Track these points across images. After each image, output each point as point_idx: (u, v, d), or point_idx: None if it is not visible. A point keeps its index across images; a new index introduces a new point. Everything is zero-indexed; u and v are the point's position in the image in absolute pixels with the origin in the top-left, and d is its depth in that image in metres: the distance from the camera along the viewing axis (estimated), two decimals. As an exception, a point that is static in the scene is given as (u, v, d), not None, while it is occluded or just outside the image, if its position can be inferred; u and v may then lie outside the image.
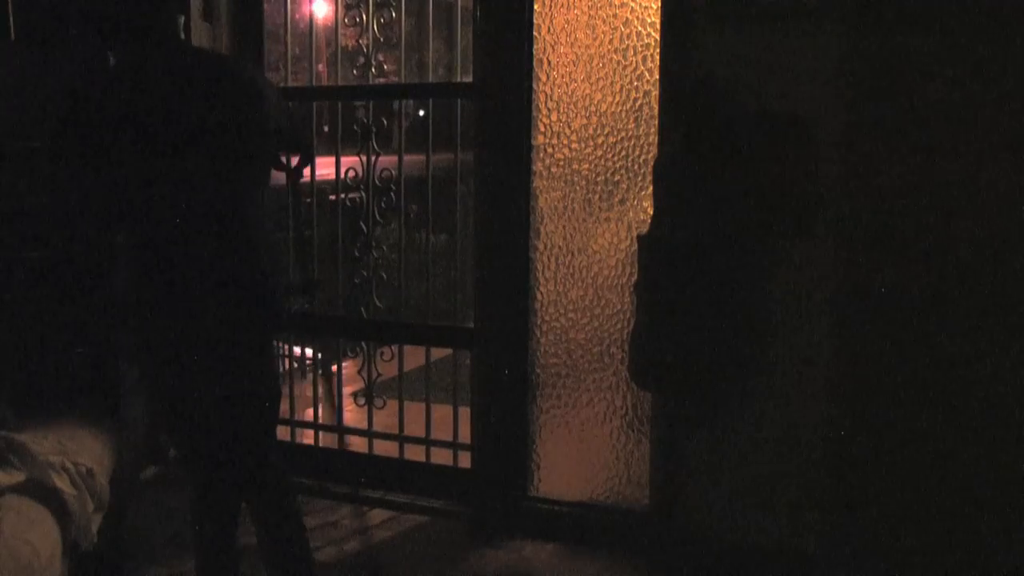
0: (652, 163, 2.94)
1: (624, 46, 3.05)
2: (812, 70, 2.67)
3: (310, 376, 4.30)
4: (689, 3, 2.79)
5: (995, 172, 2.52)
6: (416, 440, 3.60)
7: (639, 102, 3.05)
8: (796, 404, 2.78)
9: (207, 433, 2.27)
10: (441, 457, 3.58)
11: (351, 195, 3.70)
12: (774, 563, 2.84)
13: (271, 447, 2.39)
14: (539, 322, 3.26)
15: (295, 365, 4.53)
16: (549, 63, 3.15)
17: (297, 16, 3.93)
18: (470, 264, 3.41)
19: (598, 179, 3.14)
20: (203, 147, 2.11)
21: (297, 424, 3.86)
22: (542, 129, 3.18)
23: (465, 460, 3.47)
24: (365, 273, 3.68)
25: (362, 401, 3.74)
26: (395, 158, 3.57)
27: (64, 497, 2.43)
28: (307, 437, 3.89)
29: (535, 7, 3.12)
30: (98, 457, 2.70)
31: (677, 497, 2.98)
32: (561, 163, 3.18)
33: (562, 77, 3.15)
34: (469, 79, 3.36)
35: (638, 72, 3.04)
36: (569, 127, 3.15)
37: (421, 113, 4.93)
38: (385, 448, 3.69)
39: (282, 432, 3.74)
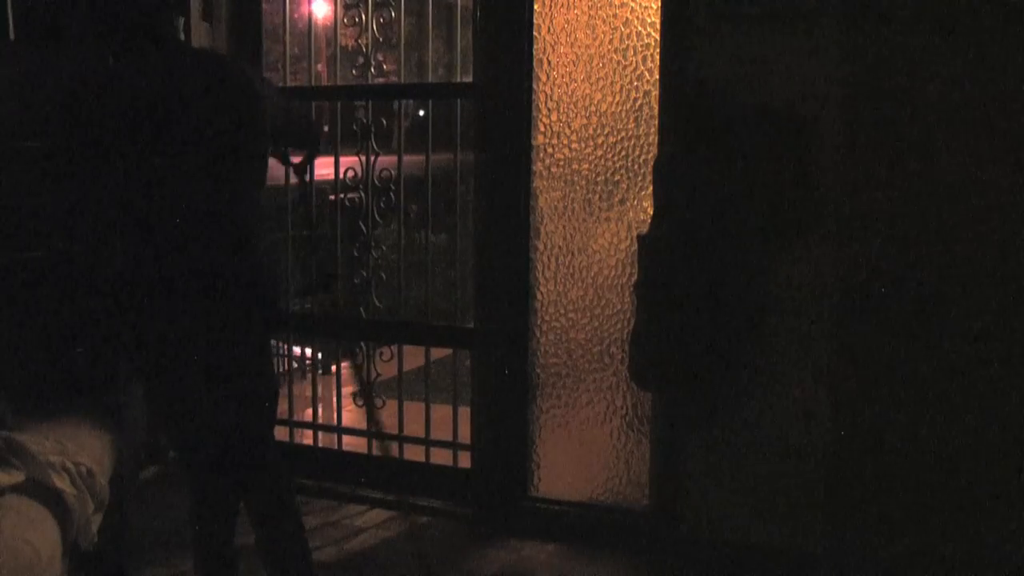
0: (652, 163, 2.94)
1: (624, 46, 3.05)
2: (812, 70, 2.67)
3: (310, 376, 4.29)
4: (689, 3, 2.79)
5: (996, 172, 2.52)
6: (416, 440, 3.60)
7: (639, 102, 3.05)
8: (796, 404, 2.78)
9: (204, 433, 2.27)
10: (441, 457, 3.58)
11: (350, 195, 3.69)
12: (774, 563, 2.84)
13: (269, 447, 2.38)
14: (539, 322, 3.26)
15: (295, 365, 4.53)
16: (549, 63, 3.15)
17: (296, 16, 3.93)
18: (470, 264, 3.41)
19: (598, 179, 3.14)
20: (199, 147, 2.11)
21: (296, 424, 3.85)
22: (542, 129, 3.18)
23: (465, 460, 3.47)
24: (364, 273, 3.68)
25: (361, 401, 3.73)
26: (395, 158, 3.57)
27: (64, 497, 2.42)
28: (306, 437, 3.89)
29: (535, 7, 3.12)
30: (98, 457, 2.70)
31: (677, 497, 2.98)
32: (561, 163, 3.18)
33: (562, 77, 3.15)
34: (469, 79, 3.36)
35: (638, 72, 3.04)
36: (569, 127, 3.15)
37: (421, 113, 4.93)
38: (385, 448, 3.68)
39: (281, 432, 3.75)
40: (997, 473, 2.59)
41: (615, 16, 3.05)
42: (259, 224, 2.26)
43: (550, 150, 3.19)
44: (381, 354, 3.74)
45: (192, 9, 3.48)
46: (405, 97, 3.75)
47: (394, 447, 3.52)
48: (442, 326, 3.66)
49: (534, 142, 3.19)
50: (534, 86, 3.16)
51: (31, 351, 3.01)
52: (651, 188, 2.95)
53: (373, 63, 3.55)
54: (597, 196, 3.15)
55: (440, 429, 3.58)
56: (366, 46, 3.54)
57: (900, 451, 2.69)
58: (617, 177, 3.12)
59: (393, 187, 3.59)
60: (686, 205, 2.80)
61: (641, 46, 3.03)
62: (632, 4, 3.03)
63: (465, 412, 3.48)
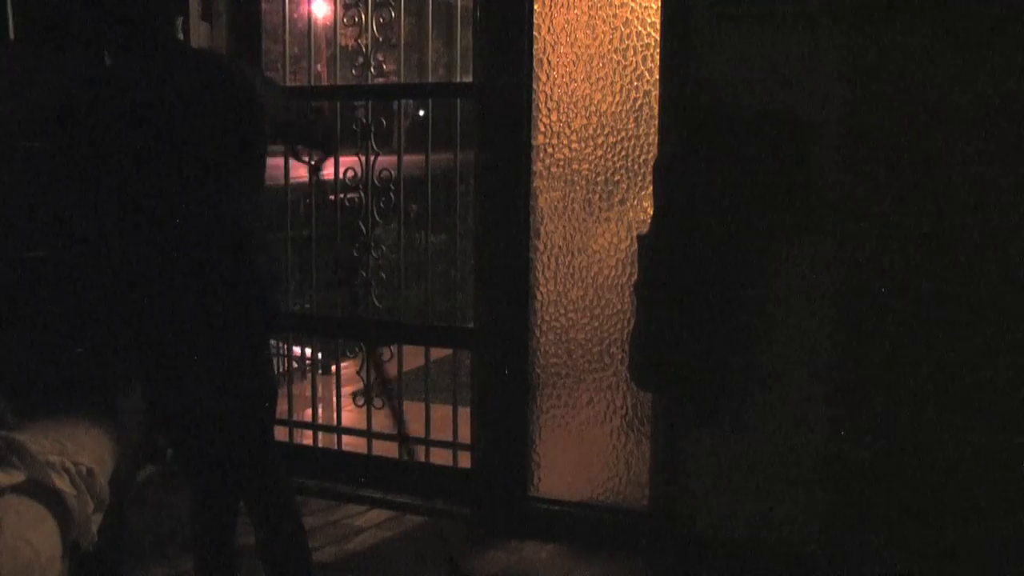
0: (652, 163, 2.94)
1: (624, 46, 3.05)
2: (812, 70, 2.67)
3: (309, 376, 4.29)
4: (689, 3, 2.79)
5: (996, 172, 2.53)
6: (416, 440, 3.59)
7: (639, 102, 3.05)
8: (797, 404, 2.78)
9: (203, 433, 2.27)
10: (441, 457, 3.58)
11: (350, 195, 3.69)
12: (774, 563, 2.84)
13: (268, 447, 2.38)
14: (539, 322, 3.26)
15: (295, 365, 4.53)
16: (549, 63, 3.15)
17: (296, 16, 3.93)
18: (470, 264, 3.41)
19: (598, 179, 3.14)
20: (197, 147, 2.11)
21: (296, 424, 3.85)
22: (542, 129, 3.18)
23: (465, 460, 3.47)
24: (364, 273, 3.68)
25: (361, 401, 3.74)
26: (394, 158, 3.57)
27: (64, 497, 2.42)
28: (306, 437, 3.89)
29: (535, 7, 3.12)
30: (98, 457, 2.69)
31: (677, 497, 2.97)
32: (561, 163, 3.18)
33: (562, 77, 3.15)
34: (469, 79, 3.36)
35: (638, 72, 3.04)
36: (569, 127, 3.15)
37: (421, 113, 4.93)
38: (385, 448, 3.69)
39: (281, 432, 3.75)
40: (998, 473, 2.59)
41: (615, 16, 3.05)
42: (258, 223, 2.26)
43: (550, 150, 3.19)
44: (381, 354, 3.74)
45: (192, 9, 3.48)
46: (405, 97, 3.75)
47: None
48: (442, 326, 3.67)
49: (534, 142, 3.19)
50: (534, 86, 3.16)
51: (31, 351, 3.01)
52: (651, 188, 2.95)
53: (373, 63, 3.55)
54: (597, 196, 3.15)
55: (440, 429, 3.58)
56: (366, 46, 3.54)
57: (900, 451, 2.69)
58: (617, 177, 3.12)
59: (393, 187, 3.59)
60: (686, 205, 2.80)
61: (641, 46, 3.03)
62: (632, 4, 3.03)
63: (465, 412, 3.48)
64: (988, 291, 2.56)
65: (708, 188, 2.77)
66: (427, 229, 3.70)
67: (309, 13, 3.92)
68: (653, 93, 2.99)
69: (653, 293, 2.84)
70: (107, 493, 2.62)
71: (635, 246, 3.00)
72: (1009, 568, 2.59)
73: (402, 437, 2.88)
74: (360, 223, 3.64)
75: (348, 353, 4.06)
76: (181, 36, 2.27)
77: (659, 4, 2.91)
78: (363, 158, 3.58)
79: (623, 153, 3.10)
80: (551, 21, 3.14)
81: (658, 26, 2.93)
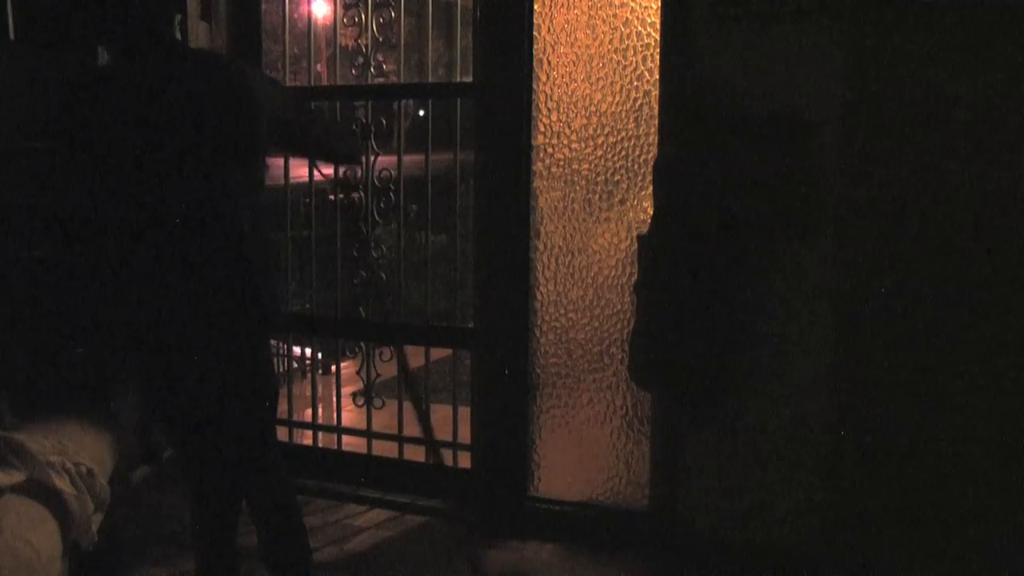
0: (652, 163, 2.94)
1: (624, 46, 3.05)
2: (812, 70, 2.67)
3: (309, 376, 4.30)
4: (689, 3, 2.79)
5: (997, 171, 2.53)
6: (416, 440, 3.60)
7: (639, 102, 3.05)
8: (796, 404, 2.78)
9: (202, 434, 2.27)
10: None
11: (350, 195, 3.69)
12: (774, 563, 2.84)
13: (269, 447, 2.38)
14: (539, 322, 3.26)
15: (295, 365, 4.53)
16: (549, 63, 3.15)
17: (296, 16, 3.93)
18: (470, 264, 3.41)
19: (598, 179, 3.14)
20: (193, 147, 2.10)
21: (296, 424, 3.85)
22: (542, 129, 3.18)
23: (465, 460, 3.47)
24: (364, 273, 3.68)
25: (361, 401, 3.74)
26: (394, 158, 3.57)
27: (64, 497, 2.42)
28: (306, 437, 3.89)
29: (535, 7, 3.12)
30: (98, 457, 2.70)
31: (677, 497, 2.98)
32: (561, 163, 3.18)
33: (562, 77, 3.15)
34: (469, 79, 3.36)
35: (638, 72, 3.04)
36: (569, 127, 3.15)
37: (421, 113, 4.93)
38: (385, 448, 3.69)
39: (281, 432, 3.75)
40: (998, 473, 2.59)
41: (615, 16, 3.05)
42: (258, 223, 2.25)
43: (550, 150, 3.19)
44: (381, 354, 3.75)
45: (190, 9, 3.47)
46: (405, 97, 3.75)
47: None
48: (442, 326, 3.66)
49: (534, 142, 3.19)
50: (534, 86, 3.16)
51: (31, 351, 3.01)
52: (651, 188, 2.95)
53: (373, 63, 3.55)
54: (597, 196, 3.15)
55: (440, 429, 3.58)
56: (366, 46, 3.54)
57: (900, 451, 2.69)
58: (617, 177, 3.12)
59: (393, 187, 3.59)
60: (686, 205, 2.80)
61: (641, 46, 3.03)
62: (632, 4, 3.03)
63: (465, 412, 3.48)
64: (988, 291, 2.56)
65: (708, 188, 2.77)
66: (427, 229, 3.70)
67: (309, 13, 3.92)
68: (653, 93, 3.00)
69: (653, 293, 2.84)
70: (107, 493, 2.63)
71: (635, 246, 3.01)
72: (1009, 568, 2.60)
73: (429, 440, 2.86)
74: (360, 223, 3.64)
75: (348, 353, 4.06)
76: (180, 36, 2.26)
77: (659, 4, 2.91)
78: (363, 158, 3.58)
79: (623, 153, 3.10)
80: (551, 21, 3.14)
81: (658, 26, 2.93)
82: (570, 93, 3.14)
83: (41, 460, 2.43)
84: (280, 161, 3.65)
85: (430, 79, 3.63)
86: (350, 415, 3.99)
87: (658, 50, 2.94)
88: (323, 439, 3.86)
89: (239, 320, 2.21)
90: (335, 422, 3.87)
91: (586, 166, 3.15)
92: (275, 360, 4.81)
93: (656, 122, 2.97)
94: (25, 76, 3.08)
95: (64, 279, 3.04)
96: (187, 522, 2.37)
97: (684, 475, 2.96)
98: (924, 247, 2.61)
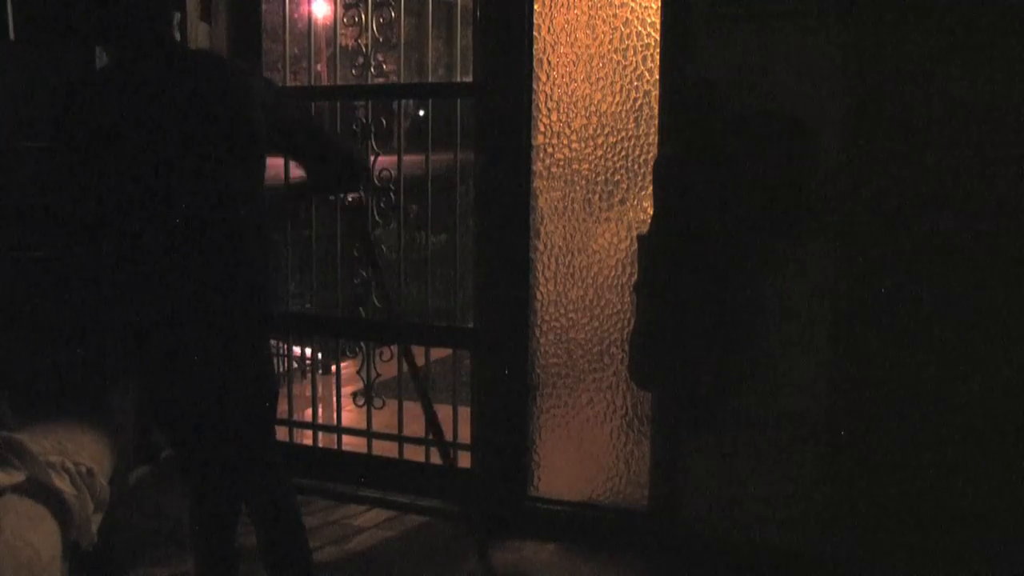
0: (652, 163, 2.94)
1: (624, 46, 3.05)
2: (812, 70, 2.67)
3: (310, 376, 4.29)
4: (689, 3, 2.79)
5: (997, 173, 2.53)
6: (416, 440, 3.60)
7: (639, 102, 3.05)
8: (797, 405, 2.78)
9: (201, 434, 2.26)
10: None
11: (350, 195, 3.68)
12: (774, 563, 2.84)
13: (268, 447, 2.38)
14: (539, 322, 3.26)
15: (295, 365, 4.52)
16: (549, 63, 3.15)
17: (296, 16, 3.93)
18: (470, 264, 3.41)
19: (598, 179, 3.14)
20: (192, 148, 2.10)
21: (296, 424, 3.85)
22: (542, 129, 3.18)
23: (465, 460, 3.47)
24: (364, 273, 3.68)
25: (361, 401, 3.74)
26: (394, 158, 3.57)
27: (64, 497, 2.42)
28: (306, 437, 3.89)
29: (535, 7, 3.12)
30: (98, 457, 2.70)
31: (677, 497, 2.98)
32: (561, 163, 3.18)
33: (562, 77, 3.15)
34: (469, 79, 3.36)
35: (638, 72, 3.04)
36: (569, 127, 3.15)
37: (421, 113, 4.93)
38: (385, 448, 3.69)
39: (281, 432, 3.75)
40: (998, 473, 2.59)
41: (615, 16, 3.05)
42: (254, 223, 2.25)
43: (550, 150, 3.19)
44: (380, 354, 3.75)
45: (190, 9, 3.47)
46: (405, 97, 3.75)
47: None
48: (442, 326, 3.66)
49: (534, 142, 3.19)
50: (534, 86, 3.16)
51: (31, 351, 3.01)
52: (651, 188, 2.95)
53: (373, 63, 3.55)
54: (597, 196, 3.15)
55: (442, 429, 3.57)
56: (366, 46, 3.54)
57: (900, 452, 2.69)
58: (617, 177, 3.12)
59: (393, 187, 3.59)
60: (686, 205, 2.80)
61: (641, 46, 3.03)
62: (632, 4, 3.03)
63: (465, 412, 3.48)
64: (988, 291, 2.56)
65: (708, 188, 2.77)
66: (427, 229, 3.70)
67: (309, 13, 3.92)
68: (653, 93, 3.00)
69: (653, 293, 2.84)
70: (107, 493, 2.63)
71: (635, 246, 3.01)
72: (1010, 569, 2.59)
73: (440, 441, 2.85)
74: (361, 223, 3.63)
75: (348, 353, 4.06)
76: (179, 36, 2.25)
77: (659, 4, 2.91)
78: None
79: (623, 153, 3.10)
80: (551, 21, 3.14)
81: (658, 26, 2.93)
82: (570, 93, 3.14)
83: (41, 460, 2.43)
84: (280, 161, 3.64)
85: (430, 79, 3.63)
86: (350, 415, 3.99)
87: (658, 50, 2.94)
88: (323, 439, 3.86)
89: (239, 320, 2.21)
90: (335, 422, 3.87)
91: (586, 166, 3.15)
92: (275, 360, 4.82)
93: (656, 122, 2.97)
94: (25, 76, 3.08)
95: (64, 279, 3.04)
96: (186, 522, 2.37)
97: (684, 475, 2.96)
98: (924, 247, 2.61)
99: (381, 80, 3.64)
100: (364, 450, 3.71)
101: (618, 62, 3.07)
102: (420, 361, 3.63)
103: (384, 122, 3.60)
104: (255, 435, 2.32)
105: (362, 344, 3.77)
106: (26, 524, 2.28)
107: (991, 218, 2.54)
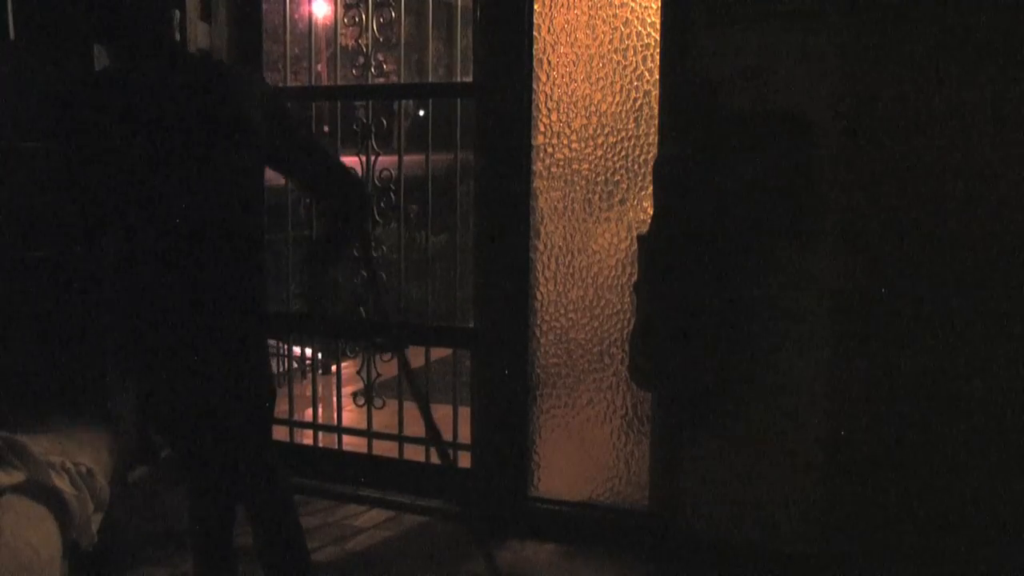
0: (652, 163, 2.94)
1: (624, 46, 3.05)
2: (812, 70, 2.67)
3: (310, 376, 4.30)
4: (689, 3, 2.79)
5: (996, 174, 2.52)
6: (416, 440, 3.60)
7: (639, 102, 3.05)
8: (796, 405, 2.78)
9: (199, 434, 2.26)
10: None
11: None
12: (774, 564, 2.84)
13: (265, 447, 2.38)
14: (539, 322, 3.26)
15: (295, 365, 4.52)
16: (549, 63, 3.15)
17: (296, 16, 3.93)
18: (470, 264, 3.41)
19: (598, 179, 3.14)
20: (190, 150, 2.10)
21: (296, 424, 3.86)
22: (542, 129, 3.18)
23: (465, 460, 3.47)
24: (364, 273, 3.67)
25: (361, 401, 3.74)
26: (395, 158, 3.57)
27: (64, 497, 2.43)
28: (306, 437, 3.89)
29: (535, 7, 3.12)
30: (98, 457, 2.70)
31: (677, 497, 2.98)
32: (561, 163, 3.18)
33: (562, 77, 3.15)
34: (469, 79, 3.36)
35: (638, 72, 3.04)
36: (569, 127, 3.15)
37: (421, 113, 4.93)
38: (385, 448, 3.69)
39: (281, 432, 3.75)
40: (998, 473, 2.59)
41: (615, 16, 3.05)
42: (253, 225, 2.25)
43: (550, 150, 3.19)
44: (381, 354, 3.75)
45: (190, 9, 3.47)
46: (405, 97, 3.75)
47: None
48: (442, 326, 3.66)
49: (534, 142, 3.19)
50: (534, 86, 3.16)
51: (31, 351, 3.01)
52: (651, 188, 2.95)
53: (373, 63, 3.55)
54: (597, 196, 3.15)
55: (440, 429, 3.57)
56: (366, 46, 3.54)
57: (900, 452, 2.69)
58: (617, 177, 3.12)
59: (393, 187, 3.59)
60: (686, 205, 2.80)
61: (641, 46, 3.03)
62: (632, 4, 3.03)
63: (465, 412, 3.48)
64: (988, 292, 2.56)
65: (708, 188, 2.77)
66: (427, 229, 3.70)
67: (310, 13, 3.92)
68: (653, 93, 3.00)
69: (653, 293, 2.84)
70: (107, 493, 2.63)
71: (635, 246, 3.00)
72: (1010, 569, 2.59)
73: (438, 441, 2.86)
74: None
75: (348, 353, 4.06)
76: (179, 35, 2.25)
77: (659, 4, 2.91)
78: (363, 158, 3.58)
79: (623, 153, 3.10)
80: (551, 21, 3.14)
81: (658, 26, 2.93)
82: (570, 93, 3.14)
83: (41, 460, 2.44)
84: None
85: (430, 79, 3.63)
86: (350, 415, 3.99)
87: (658, 50, 2.94)
88: (323, 439, 3.87)
89: (237, 321, 2.21)
90: (335, 422, 3.87)
91: (586, 166, 3.15)
92: (275, 360, 4.83)
93: (656, 122, 2.97)
94: (25, 76, 3.08)
95: (64, 279, 3.04)
96: (185, 522, 2.37)
97: (684, 475, 2.96)
98: (924, 247, 2.61)
99: (381, 80, 3.65)
100: (364, 450, 3.71)
101: (618, 62, 3.07)
102: (419, 362, 3.65)
103: (384, 122, 3.60)
104: (252, 436, 2.32)
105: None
106: (26, 524, 2.28)
107: (991, 218, 2.54)
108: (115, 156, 2.06)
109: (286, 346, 5.02)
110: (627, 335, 3.07)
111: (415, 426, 3.59)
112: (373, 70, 3.55)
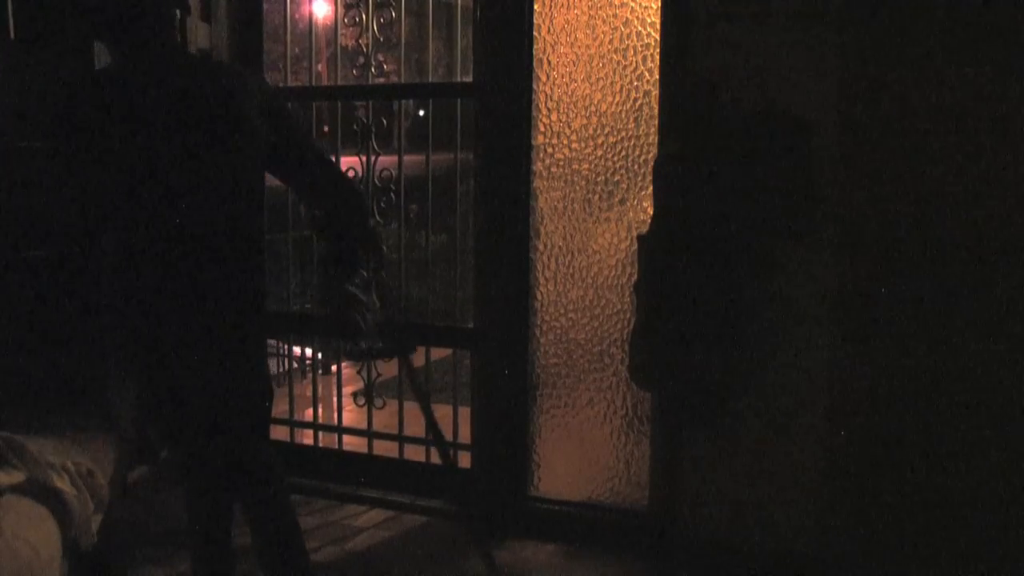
0: (652, 163, 2.94)
1: (624, 46, 3.05)
2: (812, 70, 2.67)
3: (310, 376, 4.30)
4: (689, 3, 2.79)
5: (996, 174, 2.52)
6: (416, 440, 3.60)
7: (639, 102, 3.05)
8: (797, 405, 2.78)
9: (197, 434, 2.26)
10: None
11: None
12: (774, 564, 2.84)
13: (263, 448, 2.38)
14: (539, 322, 3.26)
15: (295, 365, 4.52)
16: (549, 63, 3.15)
17: (297, 16, 3.93)
18: (470, 264, 3.41)
19: (598, 179, 3.14)
20: (190, 150, 2.10)
21: (296, 424, 3.86)
22: (542, 129, 3.18)
23: (465, 460, 3.47)
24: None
25: (361, 401, 3.74)
26: (395, 158, 3.57)
27: (64, 497, 2.43)
28: (307, 437, 3.89)
29: (535, 7, 3.12)
30: (98, 457, 2.70)
31: (677, 497, 2.98)
32: (561, 163, 3.18)
33: (562, 77, 3.15)
34: (469, 79, 3.36)
35: (638, 72, 3.04)
36: (569, 127, 3.15)
37: (421, 113, 4.93)
38: (385, 448, 3.69)
39: (282, 432, 3.75)
40: (998, 474, 2.59)
41: (615, 16, 3.05)
42: (252, 225, 2.25)
43: (550, 150, 3.18)
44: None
45: (191, 9, 3.47)
46: (405, 97, 3.76)
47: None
48: (442, 326, 3.66)
49: (534, 142, 3.19)
50: (534, 86, 3.16)
51: (31, 351, 3.01)
52: (651, 188, 2.95)
53: (373, 63, 3.55)
54: (597, 196, 3.15)
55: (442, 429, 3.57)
56: (366, 46, 3.54)
57: (901, 452, 2.69)
58: (617, 177, 3.12)
59: (393, 187, 3.59)
60: (686, 205, 2.80)
61: (641, 46, 3.03)
62: (632, 4, 3.03)
63: (465, 412, 3.48)
64: (988, 292, 2.56)
65: (708, 188, 2.77)
66: (427, 229, 3.70)
67: (310, 13, 3.92)
68: (653, 93, 2.99)
69: (653, 293, 2.84)
70: (107, 493, 2.63)
71: (635, 246, 3.00)
72: (1010, 569, 2.59)
73: (439, 441, 2.86)
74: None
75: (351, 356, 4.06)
76: (179, 36, 2.25)
77: (659, 4, 2.91)
78: (364, 158, 3.58)
79: (623, 153, 3.10)
80: (551, 21, 3.14)
81: (658, 26, 2.93)
82: (570, 93, 3.14)
83: (41, 460, 2.44)
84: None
85: (430, 79, 3.63)
86: (350, 415, 3.99)
87: (658, 50, 2.94)
88: (324, 439, 3.87)
89: (235, 322, 2.21)
90: (336, 422, 3.87)
91: (586, 166, 3.15)
92: (275, 360, 4.83)
93: (656, 122, 2.97)
94: (25, 76, 3.08)
95: (64, 279, 3.04)
96: (184, 522, 2.37)
97: (684, 475, 2.96)
98: (924, 247, 2.61)
99: (381, 80, 3.65)
100: (364, 450, 3.71)
101: (618, 62, 3.07)
102: (419, 362, 3.65)
103: (384, 122, 3.60)
104: (250, 436, 2.32)
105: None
106: (26, 524, 2.28)
107: (992, 218, 2.54)
108: (115, 155, 2.06)
109: (286, 346, 5.02)
110: (627, 335, 3.07)
111: (415, 426, 3.59)
112: (373, 70, 3.55)
